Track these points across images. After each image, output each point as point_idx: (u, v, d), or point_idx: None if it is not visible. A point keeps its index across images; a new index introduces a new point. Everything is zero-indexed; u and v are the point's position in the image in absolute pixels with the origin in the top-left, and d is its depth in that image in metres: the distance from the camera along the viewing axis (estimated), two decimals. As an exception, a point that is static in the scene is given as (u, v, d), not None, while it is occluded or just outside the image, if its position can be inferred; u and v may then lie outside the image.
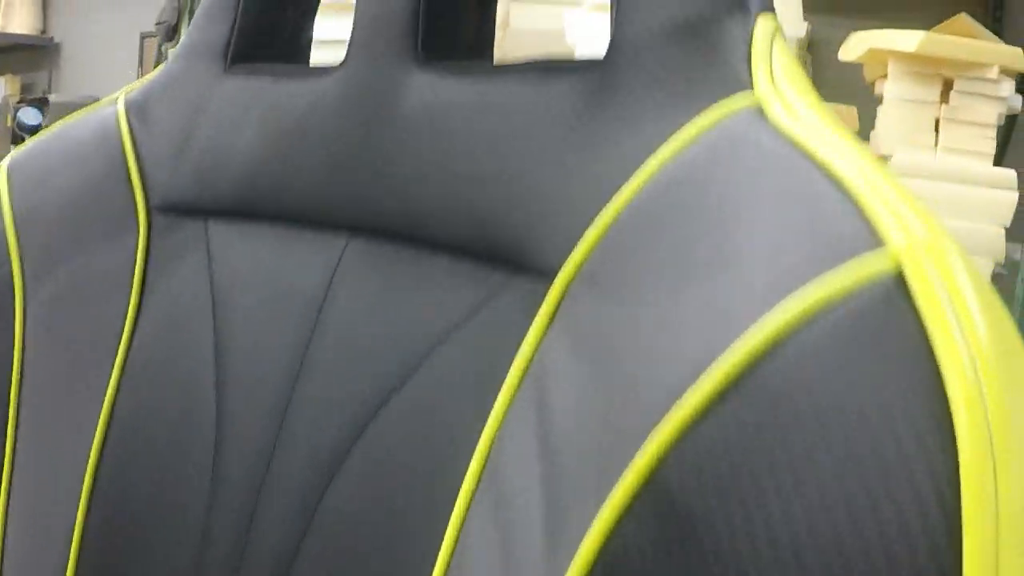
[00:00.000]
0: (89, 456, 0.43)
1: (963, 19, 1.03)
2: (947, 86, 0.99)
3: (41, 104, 3.93)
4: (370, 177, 0.38)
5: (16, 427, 0.46)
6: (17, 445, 0.46)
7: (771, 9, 0.30)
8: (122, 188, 0.46)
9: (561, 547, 0.24)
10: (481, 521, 0.30)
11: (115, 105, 0.49)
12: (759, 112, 0.27)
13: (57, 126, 0.50)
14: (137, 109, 0.48)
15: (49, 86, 4.77)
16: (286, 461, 0.38)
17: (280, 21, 0.49)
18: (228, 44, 0.46)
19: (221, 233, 0.44)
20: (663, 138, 0.29)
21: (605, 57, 0.32)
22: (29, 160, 0.49)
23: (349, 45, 0.40)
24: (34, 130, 3.83)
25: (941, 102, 1.01)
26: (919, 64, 0.97)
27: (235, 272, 0.43)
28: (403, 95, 0.37)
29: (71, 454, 0.44)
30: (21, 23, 4.72)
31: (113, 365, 0.44)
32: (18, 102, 4.13)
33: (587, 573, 0.22)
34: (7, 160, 0.49)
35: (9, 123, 3.88)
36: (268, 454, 0.39)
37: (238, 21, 0.46)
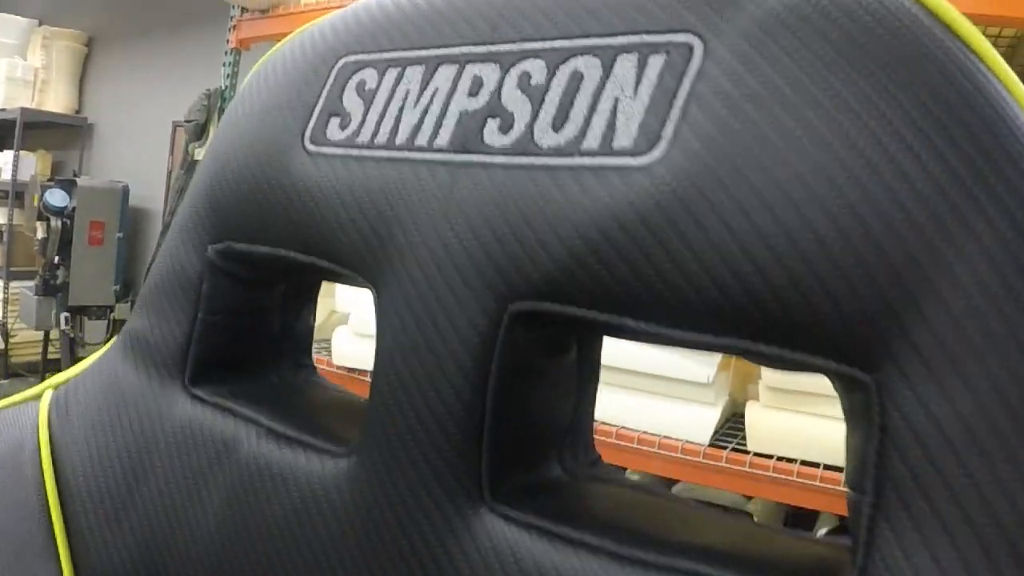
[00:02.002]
0: None
1: None
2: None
3: (69, 186, 3.94)
4: None
5: None
6: None
7: None
8: (45, 557, 0.34)
9: None
10: None
11: (35, 417, 0.37)
12: None
13: None
14: (64, 440, 0.36)
15: (80, 166, 4.80)
16: None
17: (262, 314, 0.36)
18: (187, 349, 0.34)
19: None
20: None
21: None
22: None
23: (363, 432, 0.28)
24: (59, 212, 3.83)
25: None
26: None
27: None
28: (464, 551, 0.25)
29: None
30: (57, 101, 4.79)
31: None
32: (48, 180, 4.14)
33: None
34: None
35: (36, 202, 3.89)
36: None
37: (201, 313, 0.34)
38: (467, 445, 0.25)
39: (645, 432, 1.39)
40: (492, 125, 0.26)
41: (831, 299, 0.20)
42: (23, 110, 4.46)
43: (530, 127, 0.25)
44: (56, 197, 3.84)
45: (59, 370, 3.15)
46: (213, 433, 0.32)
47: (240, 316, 0.35)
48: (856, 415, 0.21)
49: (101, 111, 4.83)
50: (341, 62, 0.31)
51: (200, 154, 2.29)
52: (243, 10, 2.25)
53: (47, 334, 4.37)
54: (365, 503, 0.27)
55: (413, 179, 0.27)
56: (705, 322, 0.22)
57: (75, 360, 4.19)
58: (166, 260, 0.35)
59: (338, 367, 2.03)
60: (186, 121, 2.31)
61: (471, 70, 0.27)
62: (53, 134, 4.87)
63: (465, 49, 0.28)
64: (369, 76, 0.30)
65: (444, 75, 0.28)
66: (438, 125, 0.27)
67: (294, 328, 0.38)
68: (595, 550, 0.24)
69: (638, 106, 0.23)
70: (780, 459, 1.31)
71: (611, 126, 0.24)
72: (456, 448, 0.25)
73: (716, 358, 1.34)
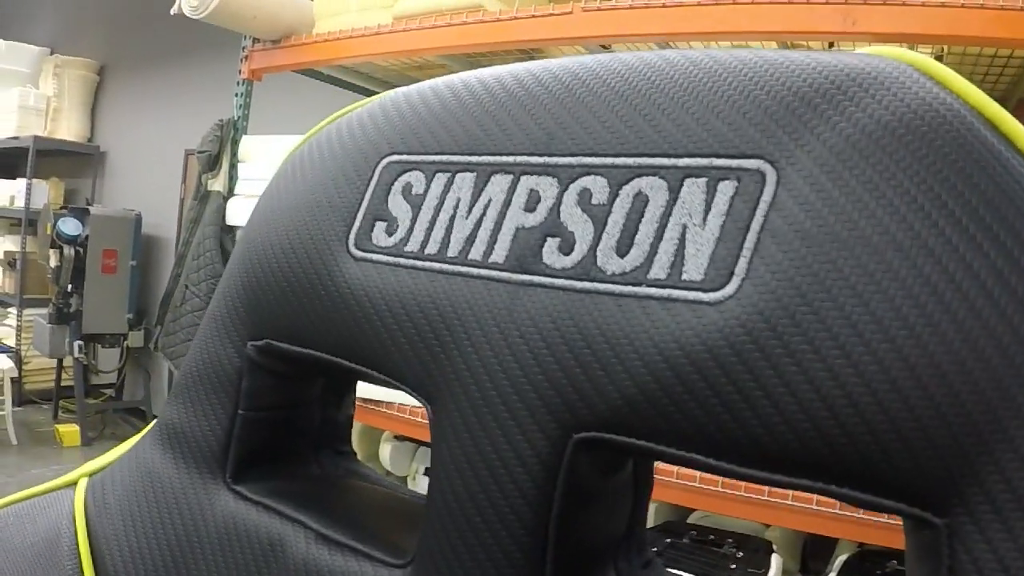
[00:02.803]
0: None
1: None
2: None
3: (82, 214, 3.96)
4: None
5: None
6: None
7: None
8: None
9: None
10: None
11: (70, 506, 0.36)
12: None
13: None
14: (100, 520, 0.35)
15: (92, 194, 4.82)
16: None
17: (303, 407, 0.35)
18: (226, 444, 0.33)
19: None
20: None
21: None
22: None
23: (419, 547, 0.27)
24: (72, 240, 3.84)
25: None
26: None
27: None
28: None
29: None
30: (69, 129, 4.83)
31: None
32: (60, 208, 4.16)
33: None
34: None
35: (49, 231, 3.90)
36: None
37: (241, 410, 0.33)
38: (530, 565, 0.25)
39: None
40: (551, 244, 0.25)
41: (906, 445, 0.19)
42: (36, 138, 4.49)
43: (593, 250, 0.24)
44: (69, 225, 3.86)
45: (72, 397, 3.14)
46: (259, 532, 0.31)
47: (281, 411, 0.34)
48: (923, 551, 0.20)
49: (113, 139, 4.86)
50: (385, 161, 0.30)
51: (213, 184, 2.29)
52: (255, 40, 2.26)
53: (60, 362, 4.38)
54: None
55: (469, 296, 0.26)
56: (777, 463, 0.21)
57: (88, 388, 4.20)
58: (202, 351, 0.34)
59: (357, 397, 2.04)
60: (199, 152, 2.31)
61: (527, 182, 0.26)
62: (65, 162, 4.91)
63: (520, 159, 0.27)
64: (416, 180, 0.29)
65: (498, 185, 0.27)
66: (492, 240, 0.26)
67: (335, 418, 0.37)
68: None
69: (708, 236, 0.22)
70: (799, 487, 1.30)
71: (679, 256, 0.23)
72: (517, 568, 0.25)
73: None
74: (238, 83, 2.33)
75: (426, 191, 0.28)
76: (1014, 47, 1.62)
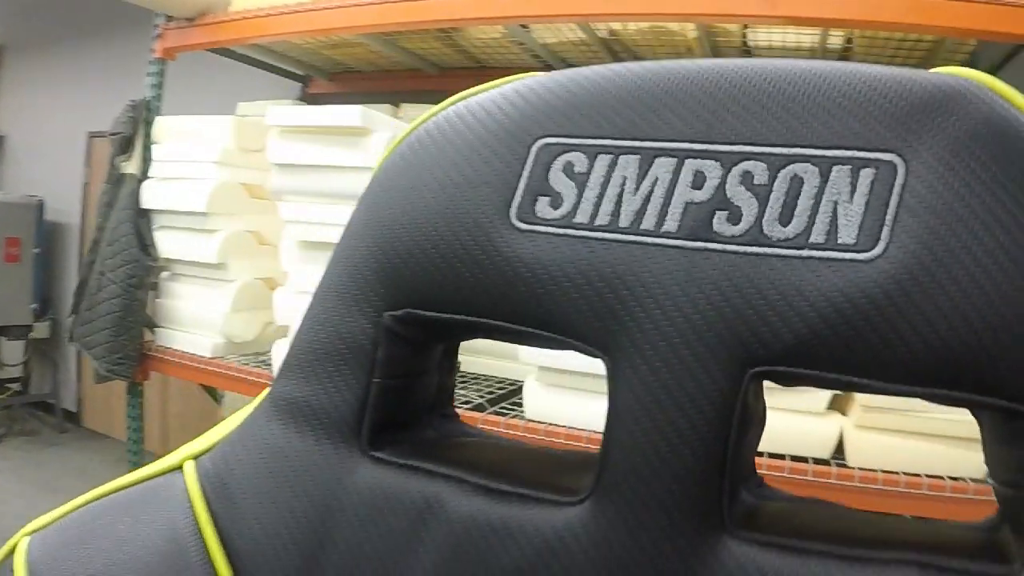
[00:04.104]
0: None
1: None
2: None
3: (-20, 201, 3.81)
4: None
5: None
6: None
7: None
8: None
9: None
10: None
11: (182, 488, 0.36)
12: None
13: (85, 510, 0.37)
14: (225, 510, 0.35)
15: (-9, 179, 4.63)
16: None
17: (412, 384, 0.37)
18: (360, 413, 0.34)
19: None
20: None
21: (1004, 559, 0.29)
22: (57, 561, 0.35)
23: (598, 475, 0.30)
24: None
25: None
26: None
27: None
28: (706, 562, 0.29)
29: None
30: (-36, 114, 4.62)
31: None
32: (-44, 195, 4.00)
33: None
34: (24, 551, 0.36)
35: (-55, 219, 3.75)
36: None
37: (376, 378, 0.34)
38: (709, 480, 0.29)
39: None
40: (720, 216, 0.30)
41: (1007, 355, 0.26)
42: (-71, 123, 4.30)
43: (759, 221, 0.29)
44: (-32, 213, 3.71)
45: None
46: (410, 495, 0.33)
47: (411, 377, 0.36)
48: (1015, 436, 0.27)
49: (13, 123, 4.67)
50: (540, 143, 0.33)
51: (127, 167, 2.23)
52: (169, 18, 2.21)
53: (-38, 356, 4.22)
54: (608, 543, 0.30)
55: (645, 259, 0.30)
56: (917, 377, 0.27)
57: (-8, 381, 4.05)
58: (324, 325, 0.35)
59: (279, 379, 2.02)
60: (111, 134, 2.24)
61: (691, 165, 0.31)
62: (-39, 148, 4.70)
63: (682, 145, 0.31)
64: (577, 160, 0.32)
65: (662, 167, 0.31)
66: (663, 213, 0.30)
67: (446, 383, 0.39)
68: (824, 555, 0.28)
69: (856, 210, 0.28)
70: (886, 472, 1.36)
71: (834, 225, 0.29)
72: (699, 483, 0.29)
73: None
74: (151, 62, 2.27)
75: (589, 170, 0.32)
76: (923, 32, 1.69)
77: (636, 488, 0.29)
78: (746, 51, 2.14)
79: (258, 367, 2.10)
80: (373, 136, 1.74)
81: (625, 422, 0.30)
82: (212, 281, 2.20)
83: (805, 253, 0.28)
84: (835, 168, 0.29)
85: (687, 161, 0.31)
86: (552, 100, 0.34)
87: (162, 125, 2.21)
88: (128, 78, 3.61)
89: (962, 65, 0.42)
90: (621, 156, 0.32)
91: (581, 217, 0.31)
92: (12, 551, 0.36)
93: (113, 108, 2.29)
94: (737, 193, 0.30)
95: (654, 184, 0.31)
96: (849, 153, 0.29)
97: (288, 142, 1.82)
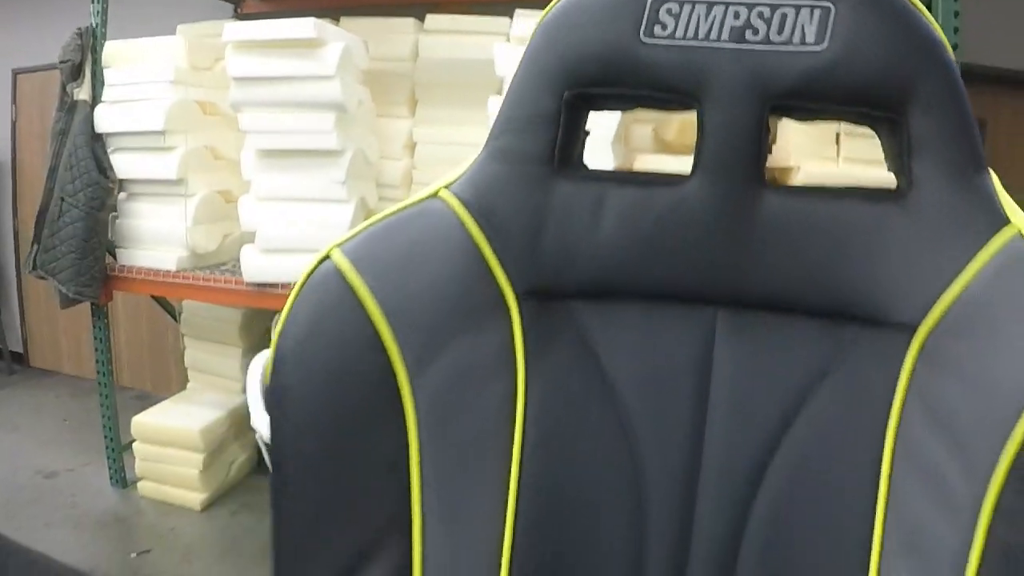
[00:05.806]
0: (503, 522, 0.54)
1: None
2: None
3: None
4: (734, 263, 0.52)
5: (421, 505, 0.53)
6: (425, 522, 0.53)
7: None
8: (486, 280, 0.54)
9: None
10: (906, 482, 0.48)
11: (443, 204, 0.56)
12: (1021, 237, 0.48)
13: (379, 224, 0.56)
14: (478, 209, 0.55)
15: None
16: (707, 516, 0.53)
17: (578, 133, 0.58)
18: (553, 152, 0.55)
19: (586, 313, 0.55)
20: (970, 252, 0.48)
21: (899, 188, 0.51)
22: (370, 257, 0.54)
23: (696, 163, 0.52)
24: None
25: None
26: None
27: (614, 348, 0.55)
28: (759, 207, 0.52)
29: (482, 525, 0.54)
30: None
31: (509, 441, 0.54)
32: None
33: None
34: (340, 254, 0.54)
35: None
36: (690, 509, 0.53)
37: (561, 132, 0.55)
38: (755, 159, 0.52)
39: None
40: (748, 32, 0.51)
41: (895, 89, 0.50)
42: None
43: (768, 32, 0.51)
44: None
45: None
46: (591, 191, 0.55)
47: (576, 133, 0.57)
48: (894, 133, 0.52)
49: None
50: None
51: (79, 94, 2.29)
52: (104, -54, 2.25)
53: (-100, 302, 4.19)
54: (706, 198, 0.52)
55: (714, 54, 0.52)
56: (851, 103, 0.51)
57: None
58: (523, 100, 0.56)
59: (248, 284, 2.14)
60: (60, 62, 2.29)
61: (732, 9, 0.52)
62: None
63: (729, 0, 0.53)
64: (673, 6, 0.53)
65: (719, 10, 0.52)
66: (720, 30, 0.51)
67: (584, 141, 0.61)
68: (816, 193, 0.55)
69: (813, 28, 0.50)
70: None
71: (803, 34, 0.50)
72: (750, 160, 0.52)
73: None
74: (93, -10, 2.31)
75: (680, 11, 0.53)
76: None
77: (718, 168, 0.52)
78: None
79: (223, 274, 2.22)
80: (327, 47, 1.85)
81: (714, 133, 0.52)
82: (172, 197, 2.29)
83: (791, 48, 0.50)
84: (802, 9, 0.50)
85: (730, 7, 0.51)
86: None
87: (111, 50, 2.27)
88: (55, 12, 3.58)
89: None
90: (697, 4, 0.52)
91: (679, 34, 0.52)
92: (327, 256, 0.54)
93: (39, 45, 2.30)
94: (755, 20, 0.51)
95: (713, 18, 0.52)
96: (809, 3, 0.50)
97: (245, 56, 1.91)
